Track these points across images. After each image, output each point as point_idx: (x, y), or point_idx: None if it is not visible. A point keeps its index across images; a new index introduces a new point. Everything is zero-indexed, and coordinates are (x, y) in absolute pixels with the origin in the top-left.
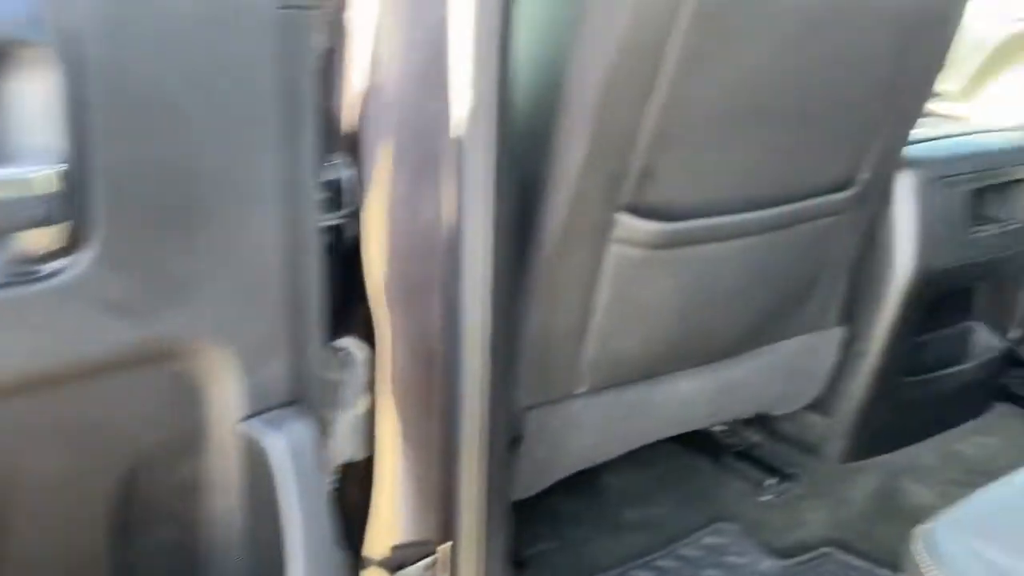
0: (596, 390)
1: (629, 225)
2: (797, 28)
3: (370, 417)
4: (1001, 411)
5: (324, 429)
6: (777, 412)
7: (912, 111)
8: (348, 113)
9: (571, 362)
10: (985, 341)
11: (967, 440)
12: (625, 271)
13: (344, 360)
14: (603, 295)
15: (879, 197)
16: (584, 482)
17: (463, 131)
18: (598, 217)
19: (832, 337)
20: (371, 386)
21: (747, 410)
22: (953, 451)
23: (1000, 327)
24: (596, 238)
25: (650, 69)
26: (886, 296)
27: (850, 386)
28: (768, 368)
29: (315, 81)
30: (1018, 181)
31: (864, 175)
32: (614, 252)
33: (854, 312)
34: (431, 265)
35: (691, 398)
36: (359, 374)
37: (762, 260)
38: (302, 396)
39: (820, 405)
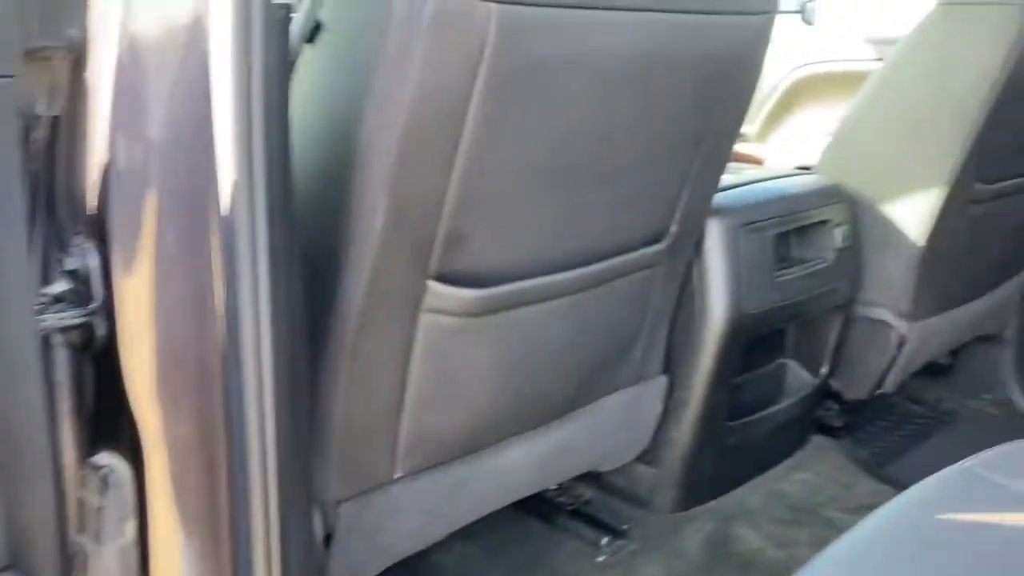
0: (415, 473)
1: (441, 293)
2: (600, 86)
3: (140, 545)
4: (816, 444)
5: (83, 565)
6: (607, 468)
7: (720, 159)
8: (90, 190)
9: (385, 446)
10: (798, 378)
11: (788, 478)
12: (440, 343)
13: (106, 480)
14: (417, 371)
15: (690, 247)
16: (411, 563)
17: (233, 206)
18: (406, 287)
19: (656, 387)
20: (141, 508)
21: (577, 469)
22: (776, 491)
23: (811, 363)
24: (405, 310)
25: (450, 135)
26: (703, 343)
27: (675, 435)
28: (596, 424)
29: (23, 154)
30: (818, 223)
31: (676, 226)
32: (426, 323)
33: (674, 361)
34: (205, 356)
35: (519, 466)
36: (125, 495)
37: (581, 318)
38: (19, 561)
39: (648, 456)
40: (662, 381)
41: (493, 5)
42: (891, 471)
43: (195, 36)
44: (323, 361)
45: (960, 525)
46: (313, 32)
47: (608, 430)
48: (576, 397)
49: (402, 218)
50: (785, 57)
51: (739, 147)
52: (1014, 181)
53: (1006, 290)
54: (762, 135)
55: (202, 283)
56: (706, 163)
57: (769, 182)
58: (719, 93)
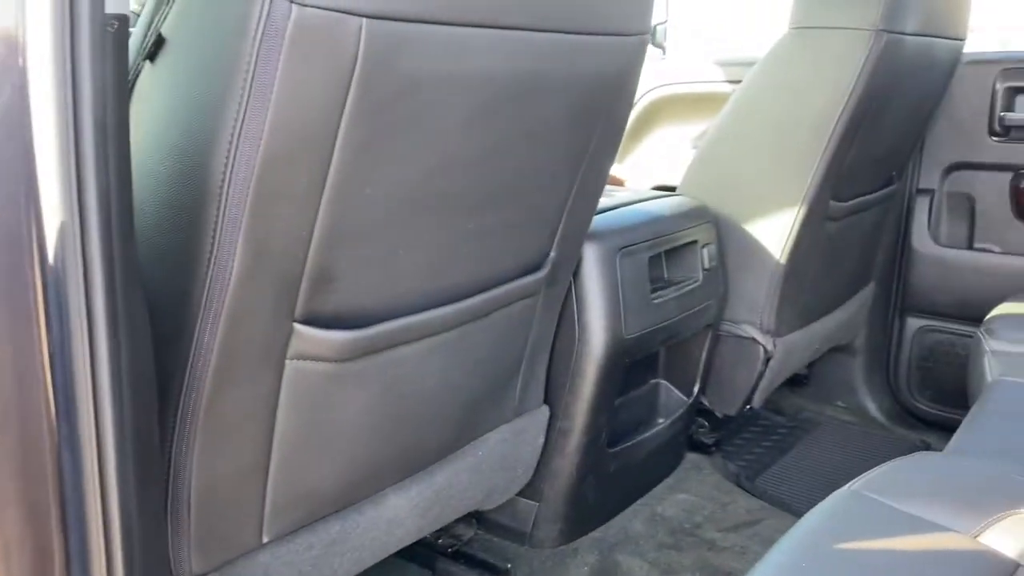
0: (285, 536)
1: (309, 337)
2: (479, 108)
3: None
4: (691, 462)
5: None
6: (489, 506)
7: (597, 183)
8: None
9: (250, 510)
10: (672, 398)
11: (667, 500)
12: (309, 392)
13: None
14: (284, 424)
15: (568, 273)
16: None
17: (61, 253)
18: (269, 332)
19: (537, 418)
20: None
21: (460, 511)
22: (657, 514)
23: (683, 382)
24: (269, 358)
25: (315, 165)
26: (583, 370)
27: (558, 466)
28: (478, 463)
29: None
30: (688, 244)
31: (555, 252)
32: (293, 371)
33: (555, 390)
34: (30, 432)
35: (400, 516)
36: None
37: (462, 355)
38: None
39: (530, 490)
40: (543, 412)
41: (362, 20)
42: (761, 483)
43: (8, 51)
44: (175, 421)
45: (859, 553)
46: (154, 48)
47: (491, 468)
48: (458, 437)
49: (262, 256)
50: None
51: None
52: (864, 198)
53: (856, 301)
54: (620, 156)
55: (24, 345)
56: (584, 187)
57: (640, 204)
58: (596, 115)
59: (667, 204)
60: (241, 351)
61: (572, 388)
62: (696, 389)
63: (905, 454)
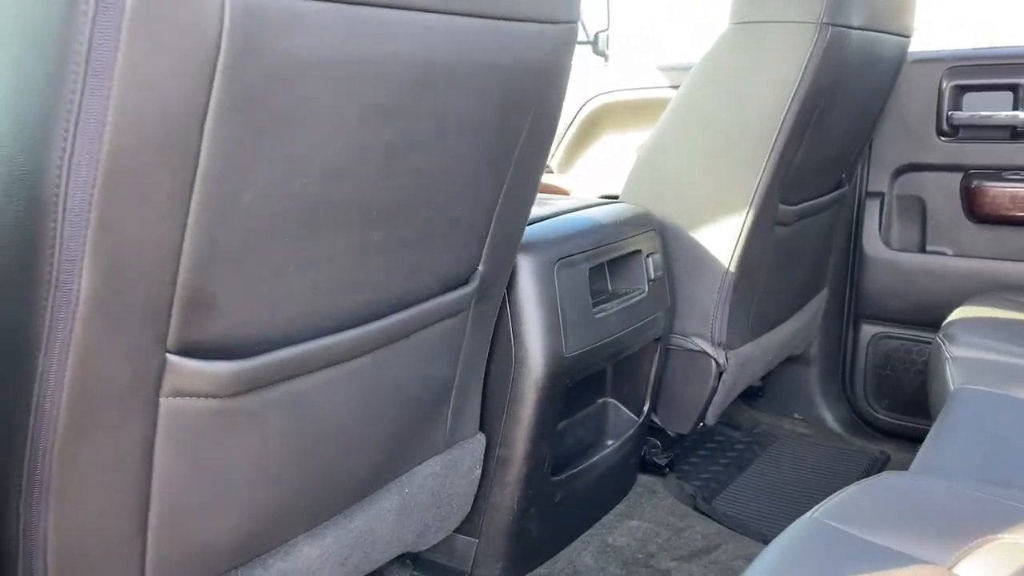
0: None
1: (187, 371)
2: (379, 101)
3: None
4: (643, 485)
5: None
6: (422, 547)
7: (528, 188)
8: None
9: (128, 573)
10: (621, 417)
11: (619, 528)
12: (194, 432)
13: None
14: (166, 471)
15: (500, 287)
16: None
17: None
18: (136, 367)
19: (473, 448)
20: None
21: (387, 556)
22: (608, 545)
23: (633, 400)
24: (138, 395)
25: (179, 169)
26: (522, 393)
27: (498, 499)
28: (405, 501)
29: None
30: (631, 253)
31: (483, 265)
32: (170, 410)
33: (492, 416)
34: None
35: (314, 567)
36: None
37: (379, 381)
38: None
39: (468, 526)
40: (479, 441)
41: None
42: (719, 505)
43: None
44: (20, 476)
45: None
46: None
47: (421, 505)
48: (379, 474)
49: (116, 277)
50: (581, 87)
51: (544, 179)
52: (815, 201)
53: (810, 309)
54: (564, 166)
55: None
56: (513, 192)
57: (578, 212)
58: (521, 111)
59: (608, 212)
60: (99, 390)
61: (510, 413)
62: (647, 407)
63: (865, 466)
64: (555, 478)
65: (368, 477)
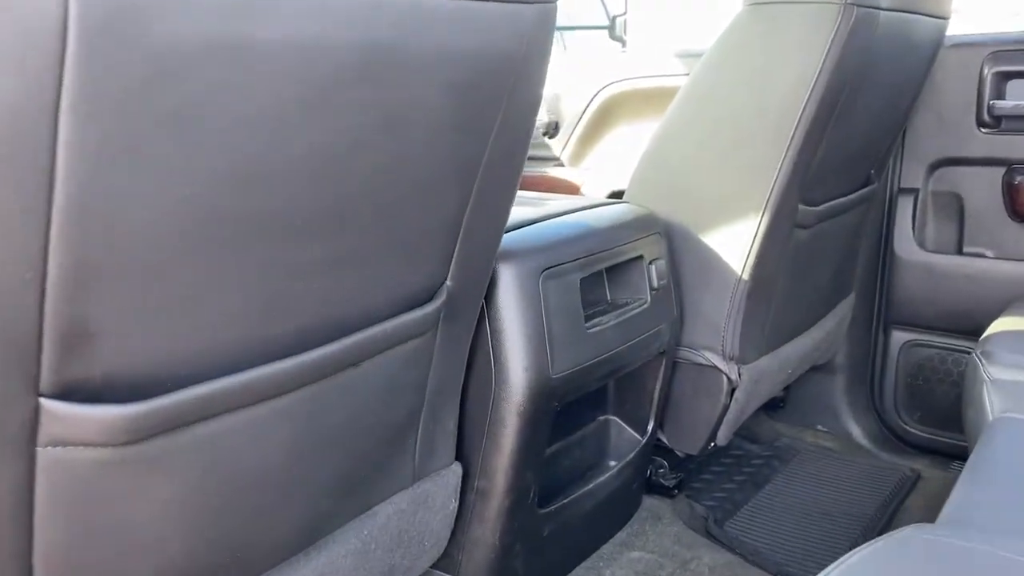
0: None
1: (68, 416)
2: (305, 93)
3: None
4: (648, 509)
5: None
6: None
7: (504, 190)
8: None
9: None
10: (624, 437)
11: (618, 561)
12: (82, 487)
13: None
14: (49, 533)
15: (475, 303)
16: None
17: None
18: (2, 414)
19: (448, 480)
20: None
21: None
22: None
23: (636, 418)
24: (8, 447)
25: (28, 176)
26: (502, 419)
27: (478, 534)
28: (366, 544)
29: None
30: (631, 260)
31: (452, 280)
32: (52, 462)
33: (469, 444)
34: None
35: None
36: None
37: (323, 416)
38: None
39: (447, 562)
40: (455, 472)
41: None
42: (732, 529)
43: None
44: None
45: None
46: None
47: (385, 546)
48: (328, 518)
49: None
50: (595, 75)
51: (554, 172)
52: (839, 200)
53: (834, 317)
54: (575, 159)
55: None
56: (485, 196)
57: (571, 216)
58: (490, 104)
59: (606, 214)
60: None
61: (490, 440)
62: (651, 426)
63: (894, 485)
64: (543, 510)
65: (315, 522)
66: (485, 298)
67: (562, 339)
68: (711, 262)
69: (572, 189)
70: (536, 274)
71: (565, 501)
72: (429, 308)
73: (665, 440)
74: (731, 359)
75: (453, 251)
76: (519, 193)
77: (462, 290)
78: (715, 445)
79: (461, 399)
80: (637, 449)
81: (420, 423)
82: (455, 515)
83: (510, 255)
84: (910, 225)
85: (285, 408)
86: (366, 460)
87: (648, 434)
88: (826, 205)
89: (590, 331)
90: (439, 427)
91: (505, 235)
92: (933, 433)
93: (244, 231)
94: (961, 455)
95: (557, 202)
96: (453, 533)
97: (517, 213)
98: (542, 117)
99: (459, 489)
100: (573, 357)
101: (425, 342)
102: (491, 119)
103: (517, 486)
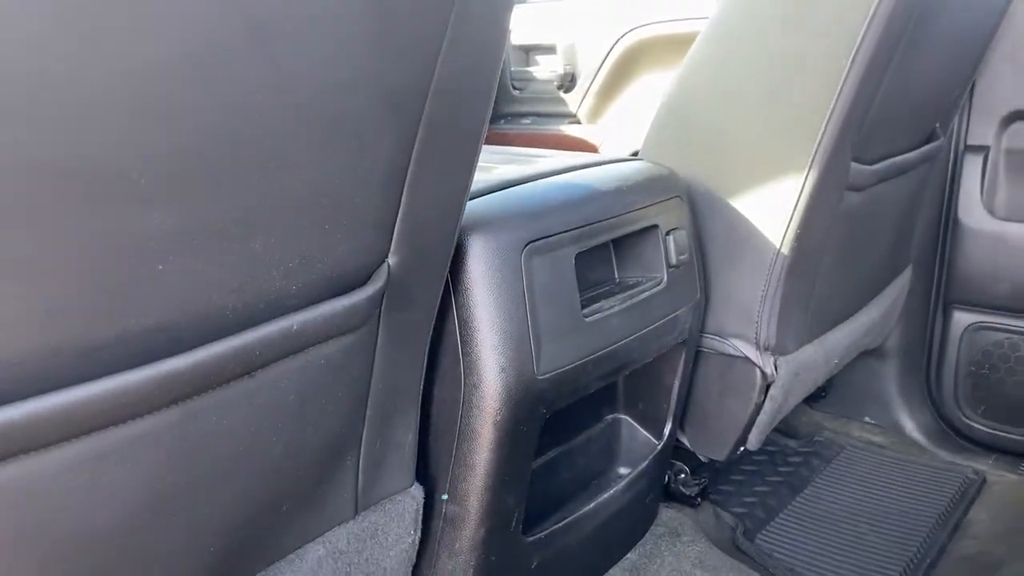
0: None
1: None
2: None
3: None
4: (666, 524)
5: None
6: None
7: (466, 141)
8: None
9: None
10: (638, 439)
11: None
12: None
13: None
14: None
15: (432, 286)
16: None
17: None
18: None
19: (406, 506)
20: None
21: None
22: None
23: (652, 418)
24: None
25: None
26: (473, 431)
27: (447, 568)
28: None
29: None
30: (644, 230)
31: (397, 256)
32: None
33: (435, 461)
34: None
35: None
36: None
37: (207, 445)
38: None
39: None
40: (414, 496)
41: None
42: (765, 542)
43: None
44: None
45: None
46: None
47: None
48: (224, 572)
49: None
50: (615, 19)
51: (569, 131)
52: (900, 158)
53: (889, 295)
54: (594, 115)
55: None
56: (436, 142)
57: (566, 175)
58: (427, 12)
59: (613, 173)
60: None
61: (460, 457)
62: (669, 427)
63: (955, 490)
64: (530, 537)
65: (216, 569)
66: (449, 280)
67: (551, 330)
68: (743, 232)
69: (589, 149)
70: (517, 248)
71: (559, 525)
72: (362, 294)
73: (686, 443)
74: (766, 349)
75: (394, 218)
76: (503, 149)
77: (411, 270)
78: (745, 449)
79: (423, 408)
80: (653, 455)
81: (362, 440)
82: (416, 549)
83: (483, 224)
84: (978, 188)
85: (143, 436)
86: (279, 494)
87: (666, 437)
88: (884, 163)
89: (588, 320)
90: (391, 444)
91: (478, 200)
92: (999, 429)
93: (59, 192)
94: None
95: (550, 159)
96: (416, 571)
97: (497, 172)
98: (556, 68)
99: (420, 517)
100: (565, 353)
101: (360, 339)
102: (432, 35)
103: (495, 511)
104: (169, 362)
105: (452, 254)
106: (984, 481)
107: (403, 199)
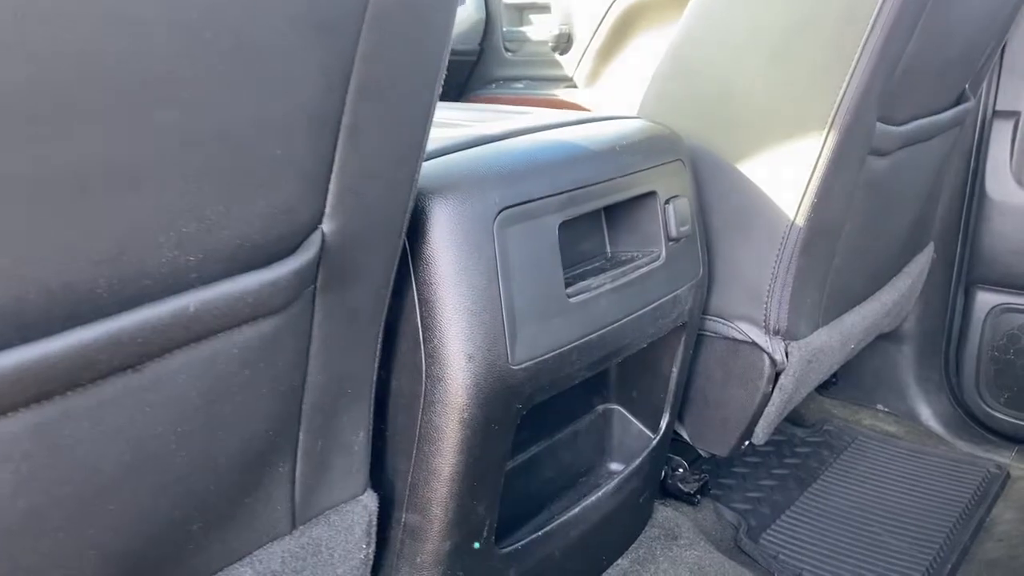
0: None
1: None
2: None
3: None
4: (661, 525)
5: None
6: None
7: (415, 78)
8: None
9: None
10: (631, 432)
11: None
12: None
13: None
14: None
15: (382, 258)
16: None
17: None
18: None
19: (356, 517)
20: None
21: None
22: None
23: (648, 409)
24: None
25: None
26: (437, 430)
27: None
28: None
29: None
30: (639, 198)
31: (330, 223)
32: None
33: (391, 464)
34: None
35: None
36: None
37: (78, 455)
38: None
39: None
40: (366, 505)
41: None
42: (768, 543)
43: None
44: None
45: None
46: None
47: None
48: None
49: None
50: None
51: (565, 95)
52: (929, 119)
53: (910, 273)
54: (592, 78)
55: None
56: (377, 81)
57: (548, 132)
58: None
59: (605, 132)
60: None
61: (421, 460)
62: (667, 419)
63: (976, 485)
64: (503, 549)
65: None
66: (408, 252)
67: (529, 312)
68: (753, 201)
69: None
70: (489, 215)
71: (539, 533)
72: (286, 268)
73: (685, 436)
74: (776, 333)
75: (327, 174)
76: (479, 105)
77: (354, 238)
78: (751, 444)
79: (377, 403)
80: (648, 449)
81: (298, 443)
82: (371, 565)
83: (449, 186)
84: (1008, 157)
85: (59, 425)
86: (187, 511)
87: (663, 430)
88: (912, 125)
89: (573, 300)
90: (336, 446)
91: (444, 158)
92: (1023, 419)
93: None
94: None
95: (532, 115)
96: None
97: (468, 130)
98: (552, 28)
99: (374, 529)
100: (545, 339)
101: (288, 322)
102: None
103: (462, 520)
104: (18, 352)
105: (407, 220)
106: (1008, 476)
107: (338, 151)
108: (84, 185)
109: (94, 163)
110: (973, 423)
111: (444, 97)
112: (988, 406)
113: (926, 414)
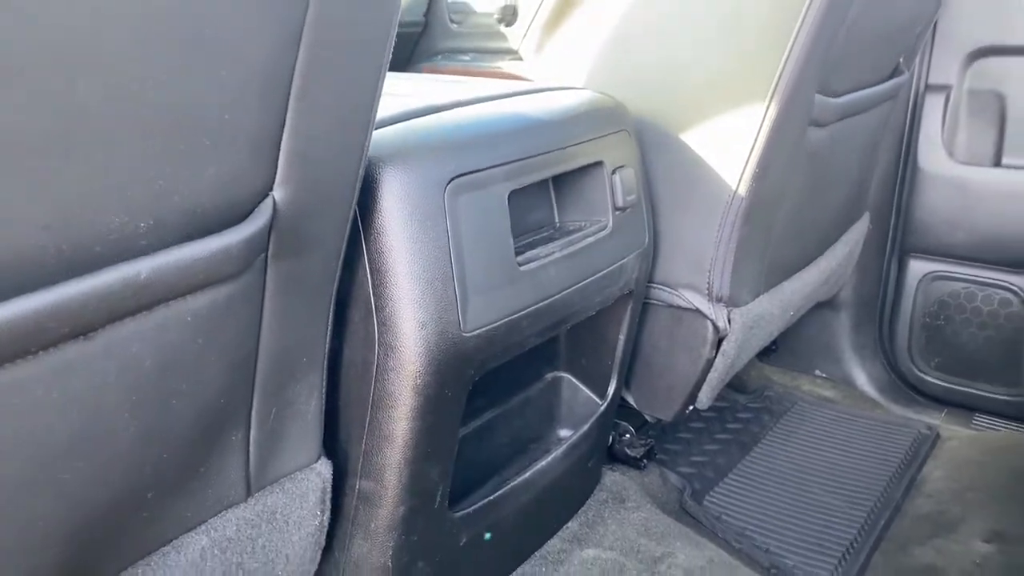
0: None
1: None
2: None
3: None
4: (609, 489)
5: None
6: None
7: (369, 41)
8: None
9: None
10: (580, 399)
11: (566, 564)
12: None
13: None
14: None
15: (333, 226)
16: None
17: None
18: None
19: (309, 484)
20: None
21: None
22: None
23: (596, 376)
24: None
25: None
26: (390, 396)
27: (363, 552)
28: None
29: None
30: (587, 167)
31: (281, 190)
32: None
33: (345, 432)
34: None
35: None
36: None
37: (28, 427)
38: None
39: None
40: (319, 473)
41: None
42: (712, 504)
43: None
44: None
45: None
46: None
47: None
48: (82, 571)
49: None
50: None
51: (510, 68)
52: (867, 91)
53: (847, 242)
54: (538, 50)
55: None
56: (332, 55)
57: (498, 101)
58: None
59: (552, 102)
60: None
61: (374, 427)
62: (614, 386)
63: (908, 446)
64: (457, 512)
65: None
66: (359, 220)
67: (480, 280)
68: (696, 172)
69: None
70: (440, 183)
71: (492, 497)
72: (237, 235)
73: (632, 402)
74: (719, 300)
75: (278, 140)
76: (428, 76)
77: (305, 205)
78: (695, 409)
79: (330, 371)
80: (596, 415)
81: (252, 411)
82: (325, 531)
83: (400, 155)
84: (939, 131)
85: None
86: (140, 480)
87: (610, 396)
88: (849, 97)
89: (523, 268)
90: (289, 414)
91: (394, 126)
92: (954, 383)
93: None
94: (986, 408)
95: (479, 85)
96: (327, 555)
97: (417, 99)
98: (497, 1)
99: (328, 496)
100: (497, 306)
101: (240, 290)
102: None
103: (416, 486)
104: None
105: (359, 187)
106: (938, 436)
107: (288, 117)
108: (28, 148)
109: (38, 125)
110: (906, 387)
111: (390, 69)
112: (920, 370)
113: (862, 379)
